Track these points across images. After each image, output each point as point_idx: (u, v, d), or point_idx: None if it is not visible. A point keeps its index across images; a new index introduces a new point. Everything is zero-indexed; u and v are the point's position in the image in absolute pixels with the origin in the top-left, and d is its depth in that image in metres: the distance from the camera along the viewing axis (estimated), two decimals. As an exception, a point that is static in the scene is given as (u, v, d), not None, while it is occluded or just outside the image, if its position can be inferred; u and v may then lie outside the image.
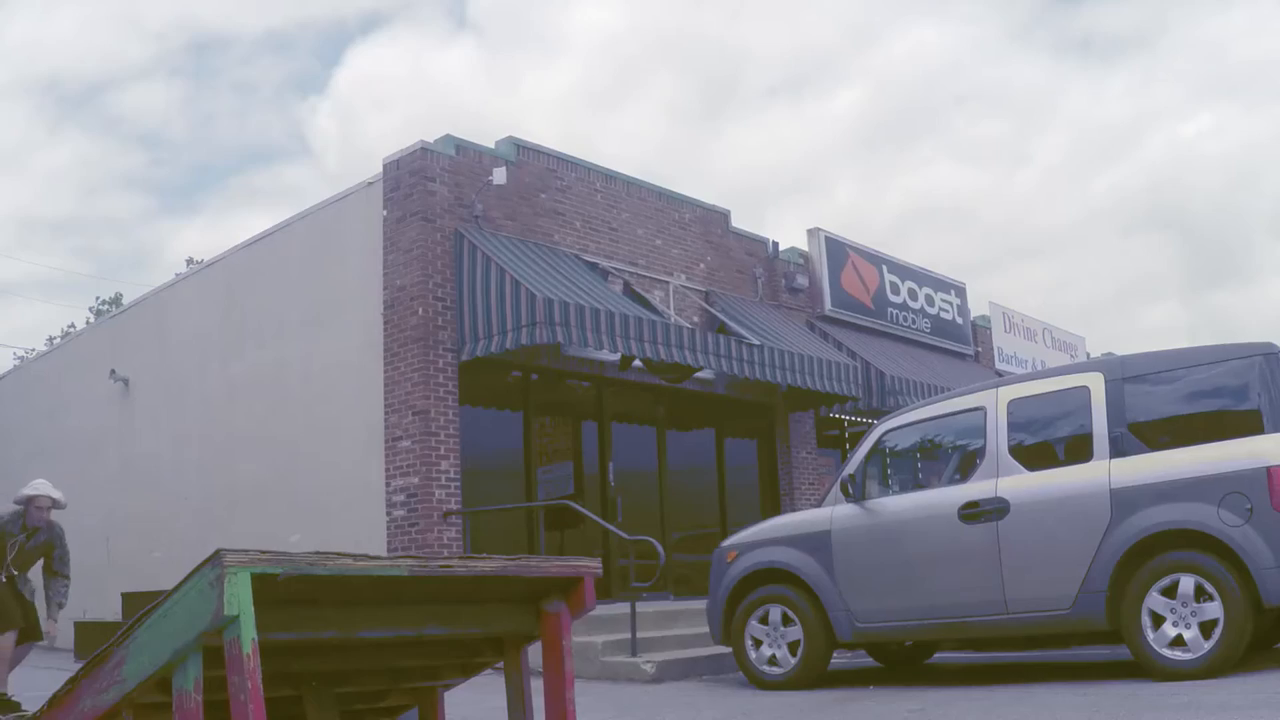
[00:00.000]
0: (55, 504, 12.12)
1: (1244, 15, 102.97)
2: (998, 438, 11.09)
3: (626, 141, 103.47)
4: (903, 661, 13.26)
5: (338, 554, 4.24)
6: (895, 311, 25.90)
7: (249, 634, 3.90)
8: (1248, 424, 10.18)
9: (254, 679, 3.90)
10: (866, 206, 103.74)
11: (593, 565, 5.16)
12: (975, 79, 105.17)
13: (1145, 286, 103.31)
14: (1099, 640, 10.97)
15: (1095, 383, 10.81)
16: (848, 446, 24.19)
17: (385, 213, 17.17)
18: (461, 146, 17.31)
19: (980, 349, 29.35)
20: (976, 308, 29.67)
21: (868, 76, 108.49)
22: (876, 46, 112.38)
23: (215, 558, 3.95)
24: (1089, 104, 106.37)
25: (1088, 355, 33.95)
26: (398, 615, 4.73)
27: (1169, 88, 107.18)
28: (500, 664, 5.42)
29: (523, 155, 18.33)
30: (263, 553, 4.02)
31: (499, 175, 17.08)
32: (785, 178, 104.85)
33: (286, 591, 4.12)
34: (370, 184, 17.62)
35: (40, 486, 12.07)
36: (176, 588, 4.12)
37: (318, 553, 4.20)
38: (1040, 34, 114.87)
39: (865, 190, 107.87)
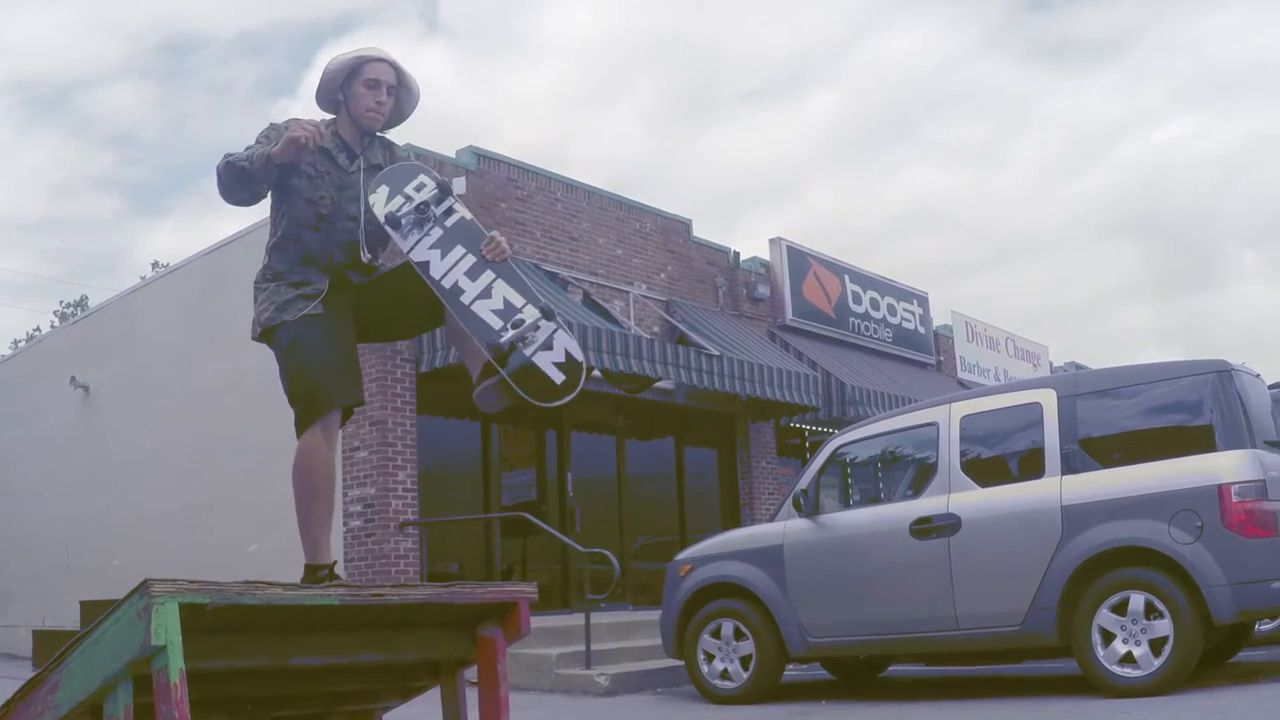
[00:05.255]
0: None
1: (1221, 21, 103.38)
2: (950, 453, 11.13)
3: (601, 147, 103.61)
4: (856, 675, 13.25)
5: (267, 583, 4.23)
6: (857, 321, 25.95)
7: (176, 664, 3.89)
8: (1200, 441, 10.24)
9: (181, 708, 3.88)
10: (842, 211, 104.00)
11: (527, 590, 5.16)
12: (951, 83, 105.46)
13: (1119, 291, 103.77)
14: (1050, 655, 11.01)
15: (1048, 399, 10.86)
16: (808, 456, 24.22)
17: (343, 221, 17.08)
18: (422, 155, 17.23)
19: (942, 358, 29.43)
20: (939, 317, 29.75)
21: (844, 81, 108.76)
22: (853, 51, 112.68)
23: (143, 587, 3.93)
24: (1065, 109, 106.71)
25: (1050, 365, 34.10)
26: (331, 642, 4.71)
27: (1145, 93, 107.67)
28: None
29: (483, 164, 18.30)
30: (190, 582, 4.01)
31: (458, 185, 17.01)
32: (761, 182, 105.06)
33: (216, 620, 4.10)
34: (326, 193, 17.52)
35: None
36: (106, 615, 4.10)
37: (246, 582, 4.19)
38: (1016, 39, 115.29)
39: (841, 195, 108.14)
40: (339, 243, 5.99)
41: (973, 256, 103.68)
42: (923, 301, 28.80)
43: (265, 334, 6.09)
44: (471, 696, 5.21)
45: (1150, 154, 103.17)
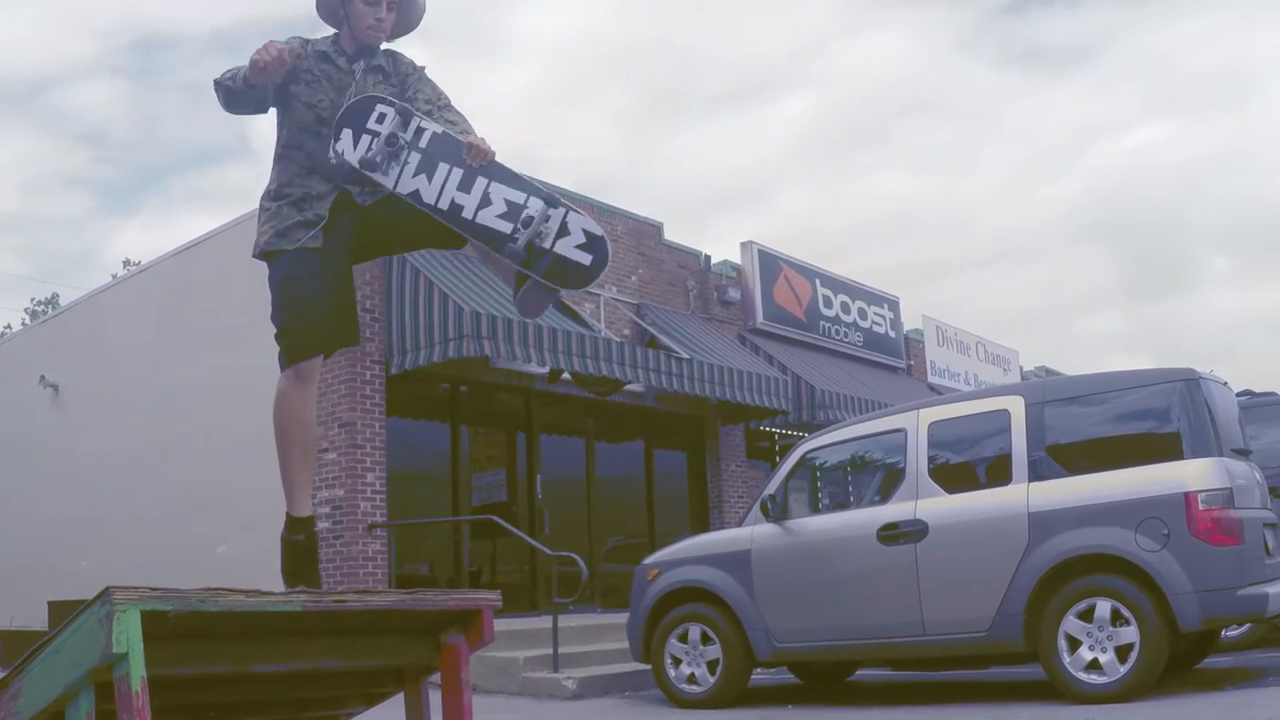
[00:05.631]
0: None
1: (1190, 28, 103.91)
2: (918, 459, 11.15)
3: (573, 149, 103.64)
4: (823, 679, 13.25)
5: (229, 590, 4.21)
6: (828, 325, 25.98)
7: (138, 672, 3.87)
8: (1167, 449, 10.27)
9: (143, 716, 3.86)
10: (813, 215, 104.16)
11: (491, 598, 5.14)
12: (923, 88, 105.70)
13: (1089, 296, 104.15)
14: (1017, 661, 11.03)
15: (1015, 406, 10.88)
16: (777, 459, 24.25)
17: (317, 223, 17.03)
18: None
19: (913, 362, 29.50)
20: (910, 321, 29.82)
21: (817, 85, 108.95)
22: (826, 55, 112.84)
23: (104, 595, 3.91)
24: (1036, 113, 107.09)
25: (1021, 369, 34.20)
26: (294, 648, 4.69)
27: (1116, 98, 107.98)
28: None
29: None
30: (152, 590, 3.99)
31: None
32: (733, 185, 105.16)
33: (178, 627, 4.08)
34: (298, 194, 17.48)
35: None
36: (68, 623, 4.08)
37: (208, 589, 4.17)
38: (989, 44, 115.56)
39: (812, 198, 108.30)
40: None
41: (943, 261, 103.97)
42: (893, 305, 28.85)
43: (264, 256, 6.01)
44: (436, 701, 5.20)
45: (1121, 159, 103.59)
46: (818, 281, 26.07)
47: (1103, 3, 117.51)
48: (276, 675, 4.76)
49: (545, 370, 18.08)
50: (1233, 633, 12.62)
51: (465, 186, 5.60)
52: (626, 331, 20.47)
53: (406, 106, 5.82)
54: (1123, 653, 9.65)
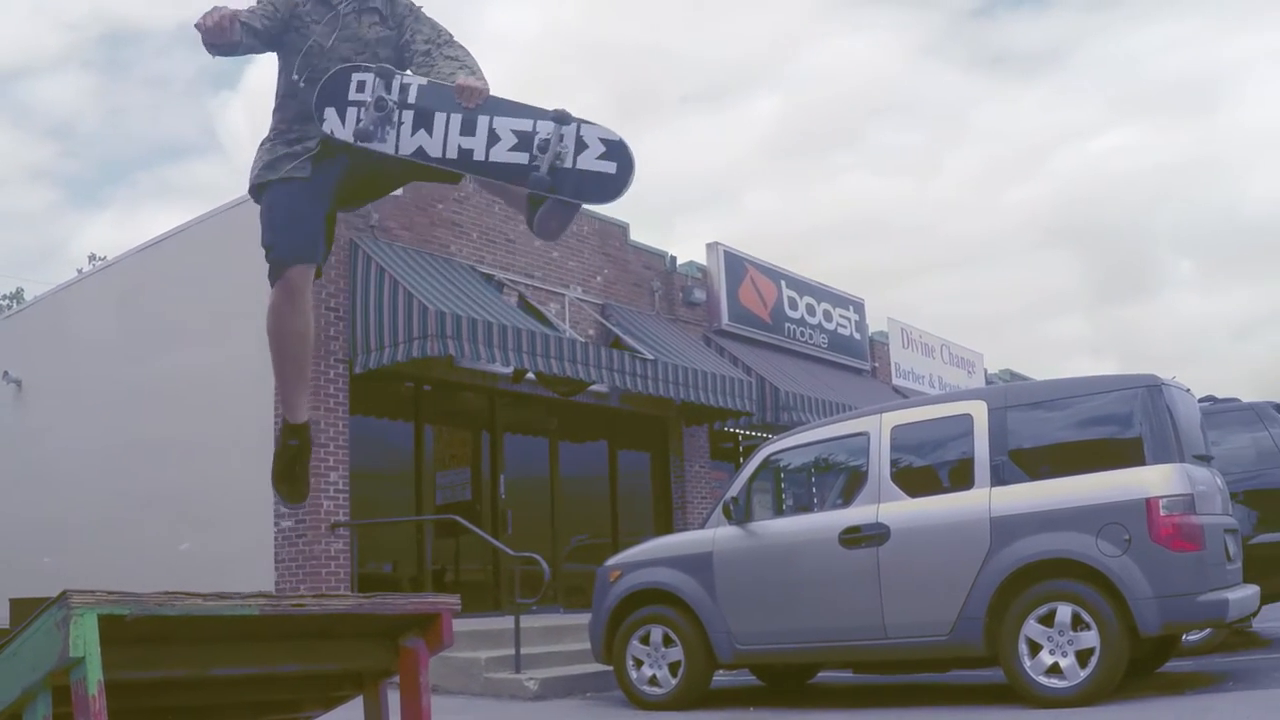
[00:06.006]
0: None
1: (1158, 33, 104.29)
2: (880, 463, 11.17)
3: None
4: (785, 681, 13.25)
5: (187, 594, 4.20)
6: (793, 326, 26.01)
7: (94, 675, 3.86)
8: (1129, 455, 10.31)
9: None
10: (780, 216, 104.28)
11: (450, 601, 5.13)
12: (892, 91, 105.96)
13: (1054, 300, 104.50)
14: (978, 665, 11.05)
15: (978, 410, 10.90)
16: (741, 461, 24.27)
17: (280, 220, 16.95)
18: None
19: (878, 364, 29.54)
20: (875, 323, 29.88)
21: (785, 86, 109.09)
22: (795, 57, 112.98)
23: (61, 599, 3.90)
24: (1003, 118, 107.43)
25: (986, 372, 34.30)
26: (253, 652, 4.68)
27: (1083, 103, 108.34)
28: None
29: (420, 164, 18.20)
30: (109, 593, 3.97)
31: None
32: (700, 186, 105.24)
33: (135, 631, 4.07)
34: (266, 191, 17.41)
35: None
36: (25, 626, 4.07)
37: (166, 593, 4.16)
38: (957, 47, 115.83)
39: (780, 200, 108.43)
40: None
41: (911, 263, 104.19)
42: (859, 308, 28.89)
43: (255, 193, 5.99)
44: (396, 702, 5.19)
45: (1088, 164, 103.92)
46: (783, 283, 26.10)
47: (1071, 7, 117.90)
48: (235, 679, 4.75)
49: (509, 370, 18.06)
50: (1194, 637, 12.66)
51: (468, 130, 5.49)
52: (591, 332, 20.47)
53: (385, 67, 5.71)
54: (1083, 657, 9.69)
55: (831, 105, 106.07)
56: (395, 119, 5.57)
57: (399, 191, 16.99)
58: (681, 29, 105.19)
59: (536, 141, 5.42)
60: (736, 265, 24.61)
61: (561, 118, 5.43)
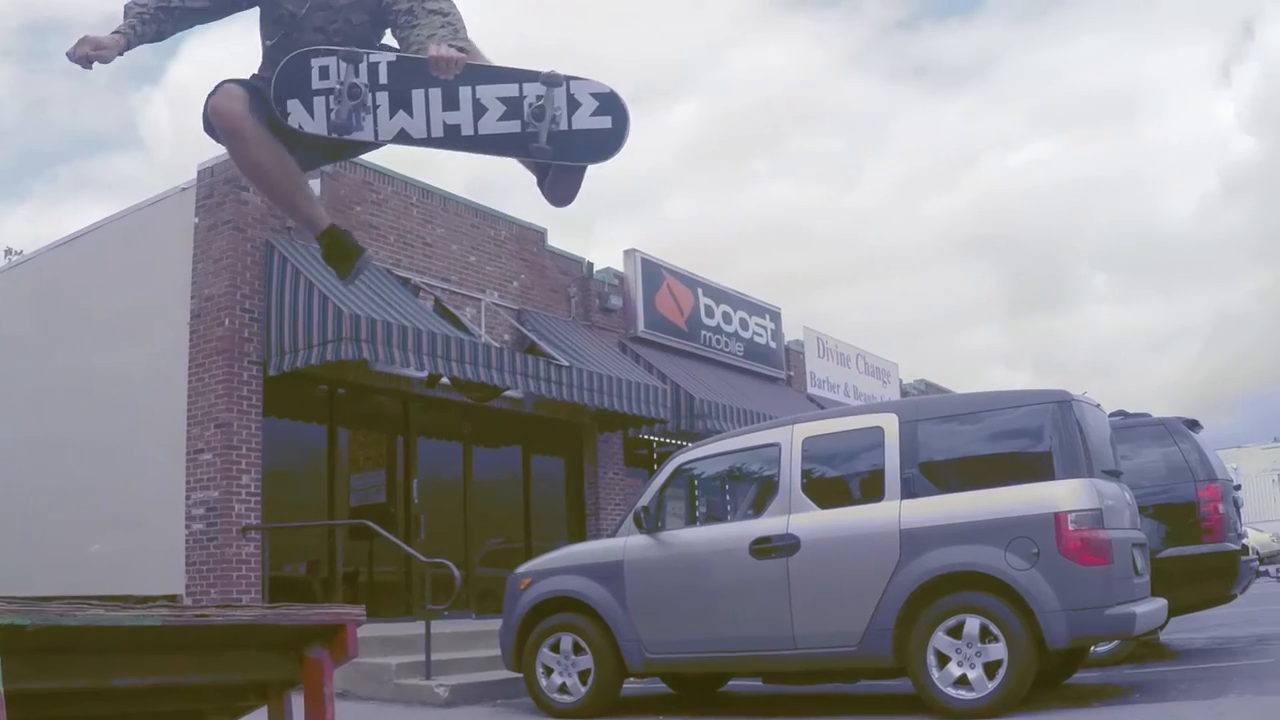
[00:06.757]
0: None
1: (1080, 49, 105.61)
2: (791, 474, 11.23)
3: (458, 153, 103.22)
4: (695, 690, 13.26)
5: (89, 604, 4.17)
6: (709, 334, 26.06)
7: (-6, 686, 3.84)
8: (1039, 469, 10.41)
9: (0, 730, 3.84)
10: (700, 222, 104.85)
11: (355, 612, 5.12)
12: (814, 99, 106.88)
13: (971, 310, 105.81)
14: (887, 675, 11.11)
15: (889, 423, 10.97)
16: (655, 467, 24.32)
17: (197, 220, 16.88)
18: (274, 159, 16.95)
19: (793, 373, 29.64)
20: (791, 332, 29.97)
21: (707, 93, 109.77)
22: (718, 63, 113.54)
23: (-40, 607, 3.89)
24: (924, 129, 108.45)
25: (900, 382, 34.51)
26: (156, 663, 4.65)
27: (1003, 116, 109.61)
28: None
29: (339, 166, 18.07)
30: (10, 602, 3.95)
31: (313, 187, 16.85)
32: (620, 192, 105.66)
33: (36, 641, 4.04)
34: (184, 190, 17.29)
35: None
36: (-76, 633, 4.04)
37: (68, 602, 4.14)
38: (881, 57, 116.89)
39: (699, 206, 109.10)
40: None
41: (828, 272, 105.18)
42: (775, 316, 28.97)
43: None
44: (299, 711, 5.18)
45: (1007, 176, 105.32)
46: (700, 291, 26.14)
47: (995, 21, 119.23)
48: (138, 689, 4.71)
49: (424, 374, 18.02)
50: (1102, 649, 12.79)
51: (451, 103, 5.31)
52: (507, 337, 20.44)
53: (349, 50, 5.42)
54: (991, 669, 9.77)
55: (753, 112, 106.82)
56: (370, 103, 5.35)
57: (317, 194, 16.87)
58: (603, 32, 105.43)
59: (527, 106, 5.29)
60: (654, 272, 24.63)
61: (550, 79, 5.30)
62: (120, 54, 5.55)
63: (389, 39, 5.79)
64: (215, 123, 5.57)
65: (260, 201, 16.71)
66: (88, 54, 5.40)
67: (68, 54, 5.37)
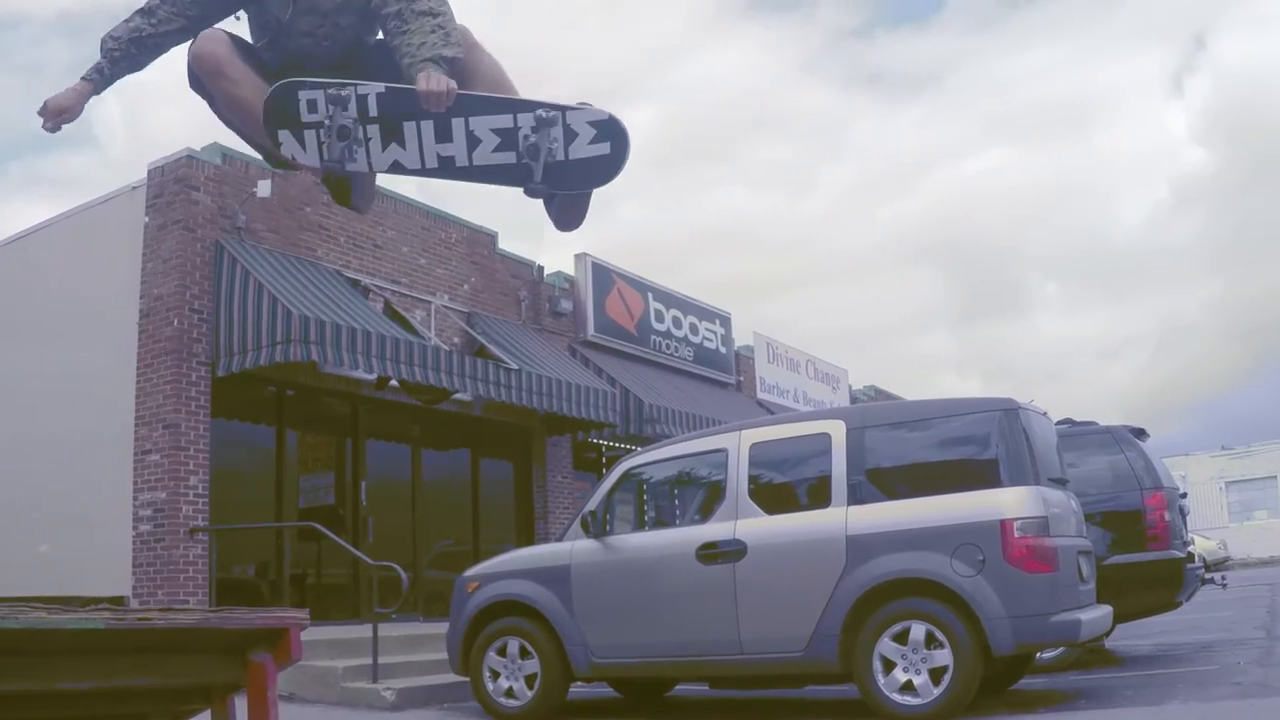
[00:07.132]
0: None
1: (1032, 59, 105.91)
2: (738, 480, 11.24)
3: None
4: (642, 695, 13.27)
5: (30, 606, 4.16)
6: (659, 339, 26.06)
7: (-66, 689, 3.83)
8: (985, 477, 10.47)
9: (-62, 734, 3.83)
10: (652, 227, 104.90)
11: (299, 616, 5.11)
12: (768, 106, 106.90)
13: (921, 317, 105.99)
14: (833, 681, 11.14)
15: (837, 430, 11.00)
16: (604, 471, 24.31)
17: (147, 219, 16.78)
18: (228, 155, 16.93)
19: (743, 378, 29.66)
20: (741, 337, 30.01)
21: (661, 97, 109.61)
22: (672, 68, 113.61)
23: (-99, 609, 3.87)
24: (877, 136, 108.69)
25: (850, 388, 34.58)
26: (100, 666, 4.63)
27: (956, 125, 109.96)
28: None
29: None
30: (-49, 605, 3.95)
31: (263, 188, 16.81)
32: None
33: (-23, 643, 4.04)
34: (134, 189, 17.17)
35: None
36: None
37: (10, 604, 4.13)
38: (836, 65, 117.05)
39: (652, 211, 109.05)
40: (297, 61, 5.67)
41: (780, 277, 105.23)
42: (725, 322, 28.99)
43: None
44: (243, 715, 5.16)
45: (959, 184, 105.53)
46: (650, 295, 26.15)
47: (948, 30, 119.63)
48: (81, 692, 4.70)
49: (373, 377, 17.97)
50: (1047, 655, 12.83)
51: (444, 135, 5.27)
52: (456, 340, 20.41)
53: (335, 88, 5.36)
54: (936, 675, 9.82)
55: (707, 118, 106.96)
56: (361, 136, 5.32)
57: (267, 194, 16.87)
58: (557, 35, 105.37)
59: (522, 141, 5.25)
60: (604, 277, 24.65)
61: (546, 120, 5.27)
62: (91, 97, 5.61)
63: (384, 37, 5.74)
64: (198, 68, 5.60)
65: (211, 201, 16.67)
66: (55, 122, 5.43)
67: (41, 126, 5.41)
